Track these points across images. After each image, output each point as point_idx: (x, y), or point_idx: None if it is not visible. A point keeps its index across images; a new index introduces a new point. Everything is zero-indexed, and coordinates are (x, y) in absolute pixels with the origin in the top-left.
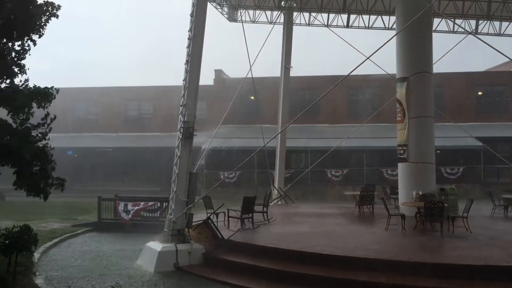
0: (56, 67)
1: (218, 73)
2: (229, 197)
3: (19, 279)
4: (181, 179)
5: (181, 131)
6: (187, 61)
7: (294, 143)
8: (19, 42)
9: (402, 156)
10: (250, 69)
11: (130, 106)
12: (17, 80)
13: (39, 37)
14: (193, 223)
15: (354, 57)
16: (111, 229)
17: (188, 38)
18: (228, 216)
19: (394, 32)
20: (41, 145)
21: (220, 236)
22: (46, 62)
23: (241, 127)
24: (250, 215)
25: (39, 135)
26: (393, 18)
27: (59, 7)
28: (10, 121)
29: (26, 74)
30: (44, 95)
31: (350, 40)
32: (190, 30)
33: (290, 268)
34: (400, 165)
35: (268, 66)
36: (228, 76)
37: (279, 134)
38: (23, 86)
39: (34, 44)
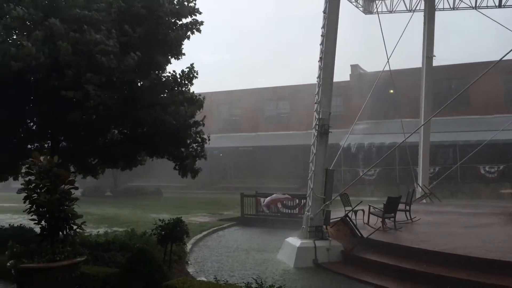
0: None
1: (354, 68)
2: (368, 194)
3: (174, 267)
4: (317, 176)
5: (316, 128)
6: (320, 58)
7: (440, 137)
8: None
9: None
10: (388, 61)
11: (269, 106)
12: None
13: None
14: (331, 220)
15: (508, 40)
16: (253, 223)
17: (321, 35)
18: (369, 213)
19: None
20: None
21: (359, 234)
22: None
23: (380, 123)
24: (393, 214)
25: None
26: None
27: (202, 23)
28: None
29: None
30: (192, 101)
31: (503, 22)
32: (323, 27)
33: (436, 270)
34: None
35: (406, 57)
36: (365, 71)
37: (422, 128)
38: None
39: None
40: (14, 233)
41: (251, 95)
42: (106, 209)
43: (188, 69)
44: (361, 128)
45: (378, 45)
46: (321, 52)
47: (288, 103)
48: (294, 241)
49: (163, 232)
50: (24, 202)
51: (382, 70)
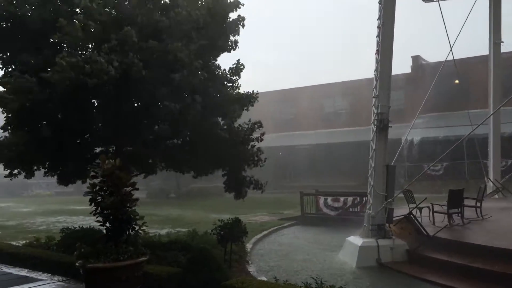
0: (261, 72)
1: (416, 59)
2: (435, 190)
3: (234, 267)
4: (377, 173)
5: (375, 123)
6: (377, 50)
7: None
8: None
9: None
10: (451, 50)
11: (326, 103)
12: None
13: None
14: (394, 218)
15: None
16: (313, 223)
17: (378, 27)
18: (433, 211)
19: None
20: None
21: (424, 232)
22: (254, 68)
23: (445, 115)
24: (459, 209)
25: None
26: None
27: (244, 18)
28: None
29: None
30: (246, 99)
31: None
32: (379, 19)
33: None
34: None
35: (471, 45)
36: (427, 62)
37: (491, 119)
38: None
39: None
40: (84, 234)
41: (309, 92)
42: (170, 211)
43: (235, 64)
44: (424, 121)
45: (440, 34)
46: (378, 44)
47: (347, 98)
48: (356, 240)
49: (222, 232)
50: (90, 205)
51: (444, 59)
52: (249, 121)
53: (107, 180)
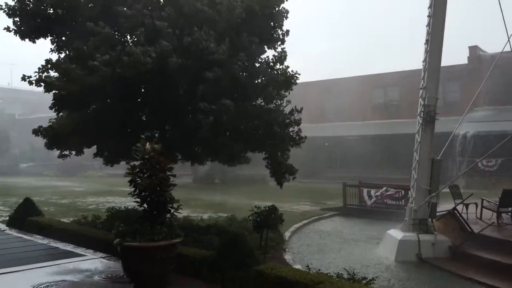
0: (311, 61)
1: (473, 49)
2: (488, 186)
3: (270, 253)
4: (422, 166)
5: (421, 115)
6: (426, 40)
7: None
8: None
9: None
10: (508, 40)
11: (376, 94)
12: None
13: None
14: (437, 213)
15: None
16: (356, 214)
17: (428, 16)
18: (482, 207)
19: None
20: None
21: (469, 229)
22: (304, 57)
23: (504, 109)
24: (510, 209)
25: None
26: None
27: (288, 11)
28: None
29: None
30: (285, 84)
31: None
32: (430, 7)
33: None
34: None
35: None
36: (486, 52)
37: None
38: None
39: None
40: (127, 214)
41: (358, 82)
42: (214, 196)
43: (279, 53)
44: (480, 115)
45: (500, 23)
46: (428, 34)
47: (397, 89)
48: (396, 233)
49: (258, 219)
50: (130, 186)
51: (501, 50)
52: (289, 103)
53: (146, 163)
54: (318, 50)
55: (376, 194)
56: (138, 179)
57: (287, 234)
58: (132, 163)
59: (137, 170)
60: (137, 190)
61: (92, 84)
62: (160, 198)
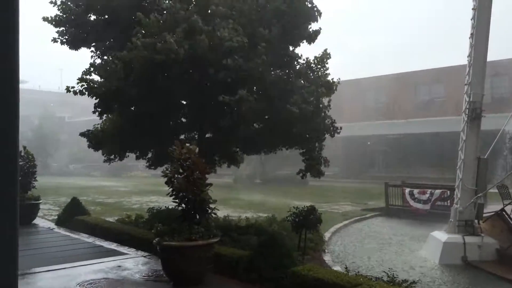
0: (351, 59)
1: None
2: None
3: (309, 254)
4: (467, 166)
5: (466, 113)
6: (471, 34)
7: None
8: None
9: None
10: None
11: (421, 91)
12: None
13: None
14: (484, 215)
15: None
16: (399, 215)
17: (472, 9)
18: None
19: None
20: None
21: None
22: (344, 55)
23: None
24: None
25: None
26: None
27: (320, 12)
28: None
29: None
30: (327, 85)
31: None
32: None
33: None
34: None
35: None
36: None
37: None
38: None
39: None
40: (168, 214)
41: (401, 79)
42: (254, 196)
43: (321, 54)
44: None
45: None
46: (472, 27)
47: (442, 86)
48: (440, 235)
49: (297, 219)
50: (167, 186)
51: None
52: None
53: (182, 164)
54: (358, 47)
55: (425, 198)
56: (174, 180)
57: (327, 235)
58: (168, 165)
59: (173, 171)
60: (174, 191)
61: (129, 75)
62: (196, 198)
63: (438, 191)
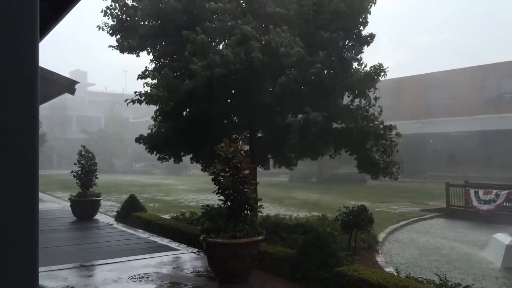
0: (415, 56)
1: None
2: None
3: (361, 255)
4: None
5: None
6: None
7: None
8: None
9: None
10: None
11: (488, 85)
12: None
13: (362, 30)
14: None
15: None
16: (460, 216)
17: None
18: None
19: None
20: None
21: None
22: (406, 52)
23: None
24: None
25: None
26: None
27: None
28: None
29: (362, 64)
30: (370, 78)
31: None
32: None
33: None
34: None
35: None
36: None
37: None
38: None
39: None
40: (219, 212)
41: (466, 74)
42: (309, 195)
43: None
44: None
45: None
46: None
47: None
48: (503, 238)
49: (347, 219)
50: (214, 184)
51: None
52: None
53: (229, 162)
54: (421, 42)
55: (490, 199)
56: (220, 178)
57: (382, 235)
58: (215, 163)
59: (220, 169)
60: (220, 189)
61: (188, 90)
62: (242, 196)
63: (504, 192)
